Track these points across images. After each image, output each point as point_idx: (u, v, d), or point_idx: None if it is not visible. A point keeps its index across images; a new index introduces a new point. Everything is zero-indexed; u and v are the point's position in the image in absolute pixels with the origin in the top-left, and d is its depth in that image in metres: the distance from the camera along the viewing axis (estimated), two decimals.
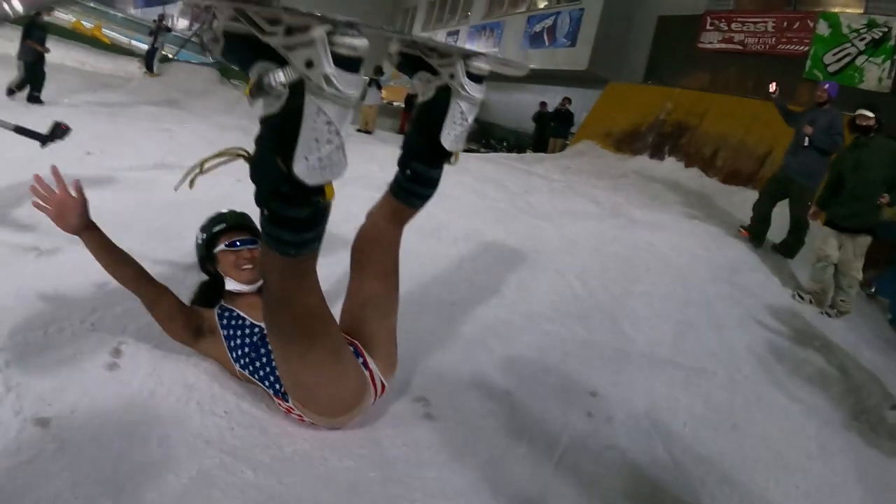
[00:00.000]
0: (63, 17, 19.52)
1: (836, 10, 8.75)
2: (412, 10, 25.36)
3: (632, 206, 6.37)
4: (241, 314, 1.90)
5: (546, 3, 14.98)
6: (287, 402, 1.72)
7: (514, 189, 6.59)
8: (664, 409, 2.32)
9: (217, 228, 1.99)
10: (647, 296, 3.59)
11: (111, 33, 19.46)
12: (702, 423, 2.31)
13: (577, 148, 10.68)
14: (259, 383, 1.80)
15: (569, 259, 4.06)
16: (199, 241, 2.04)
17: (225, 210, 2.06)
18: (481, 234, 4.33)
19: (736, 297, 4.03)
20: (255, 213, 1.40)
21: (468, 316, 2.80)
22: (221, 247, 1.97)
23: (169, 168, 5.13)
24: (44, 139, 2.25)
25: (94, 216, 1.81)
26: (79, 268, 2.43)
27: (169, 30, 14.88)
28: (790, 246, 5.56)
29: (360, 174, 6.09)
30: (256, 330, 1.85)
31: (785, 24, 9.25)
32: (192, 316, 1.92)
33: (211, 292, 2.02)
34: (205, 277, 2.08)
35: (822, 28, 8.68)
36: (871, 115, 4.56)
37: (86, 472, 1.45)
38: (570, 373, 2.46)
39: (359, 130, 13.05)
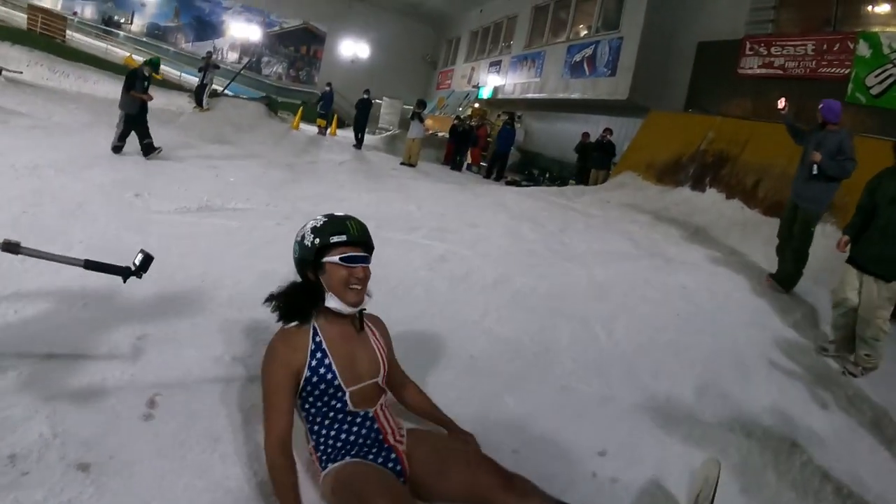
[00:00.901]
0: (120, 52, 20.74)
1: (877, 29, 8.46)
2: (455, 41, 25.86)
3: (669, 244, 6.32)
4: (334, 370, 1.82)
5: (586, 31, 15.08)
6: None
7: (550, 228, 6.64)
8: (674, 472, 2.29)
9: (336, 239, 1.79)
10: (672, 345, 3.57)
11: (162, 69, 20.45)
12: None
13: (618, 180, 10.63)
14: (303, 422, 1.88)
15: (596, 306, 4.08)
16: (308, 244, 1.81)
17: (341, 214, 1.88)
18: (510, 280, 4.41)
19: (766, 344, 3.92)
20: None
21: (487, 371, 2.86)
22: (335, 259, 1.79)
23: (212, 210, 5.42)
24: (127, 274, 2.04)
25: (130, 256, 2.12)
26: (120, 320, 2.66)
27: (217, 66, 15.61)
28: (786, 276, 5.14)
29: (396, 214, 6.30)
30: (340, 395, 1.82)
31: (825, 46, 8.99)
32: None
33: (305, 301, 1.86)
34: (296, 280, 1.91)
35: (863, 49, 8.38)
36: None
37: None
38: (581, 431, 2.48)
39: (403, 164, 13.37)
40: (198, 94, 14.93)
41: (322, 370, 1.81)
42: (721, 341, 3.80)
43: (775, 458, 2.59)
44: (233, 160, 8.90)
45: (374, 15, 27.53)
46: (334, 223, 1.83)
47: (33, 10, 18.83)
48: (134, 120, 7.94)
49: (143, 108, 8.16)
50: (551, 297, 4.16)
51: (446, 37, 27.42)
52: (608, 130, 12.69)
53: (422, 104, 14.38)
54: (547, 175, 15.70)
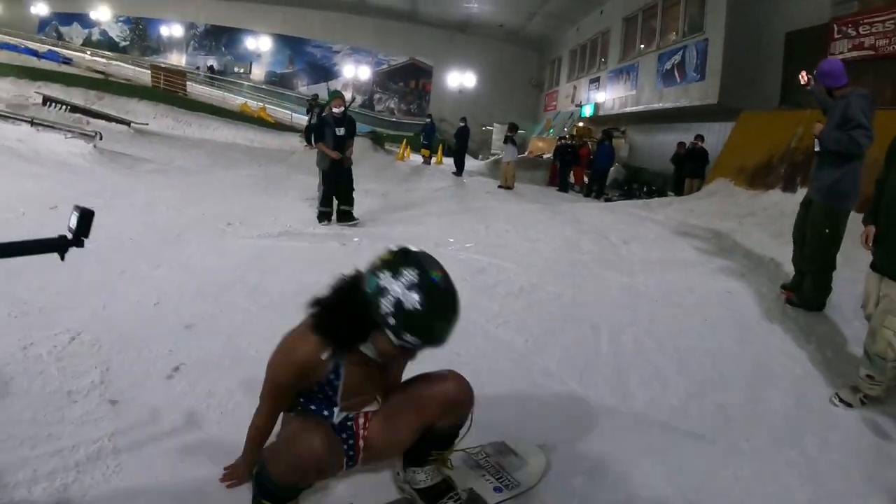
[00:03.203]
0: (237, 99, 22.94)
1: None
2: (557, 61, 25.90)
3: (737, 253, 5.95)
4: (340, 392, 1.80)
5: (674, 37, 14.58)
6: None
7: (614, 240, 6.54)
8: (614, 472, 2.24)
9: (413, 341, 1.58)
10: (682, 351, 3.40)
11: (275, 111, 22.43)
12: (656, 494, 2.18)
13: (710, 188, 10.09)
14: None
15: (617, 312, 4.01)
16: (389, 316, 1.55)
17: (444, 305, 1.59)
18: (539, 288, 4.49)
19: (796, 356, 3.55)
20: None
21: (466, 367, 2.90)
22: (405, 338, 1.58)
23: (291, 235, 6.08)
24: (63, 246, 1.59)
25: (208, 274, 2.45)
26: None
27: (322, 106, 16.84)
28: (808, 294, 4.14)
29: (462, 233, 6.53)
30: (333, 407, 1.82)
31: None
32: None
33: (349, 336, 1.68)
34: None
35: None
36: None
37: None
38: (531, 425, 2.51)
39: (500, 187, 13.59)
40: (307, 133, 16.22)
41: (327, 388, 1.79)
42: (747, 349, 3.56)
43: (757, 474, 2.40)
44: None
45: (476, 45, 28.35)
46: (432, 325, 1.58)
47: (156, 70, 21.73)
48: (330, 178, 6.78)
49: (335, 167, 6.79)
50: (574, 305, 4.16)
51: (548, 58, 27.55)
52: (699, 137, 12.10)
53: (514, 128, 14.59)
54: (645, 189, 15.17)
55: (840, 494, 2.30)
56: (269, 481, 1.69)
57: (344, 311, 1.64)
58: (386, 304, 1.54)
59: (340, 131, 6.72)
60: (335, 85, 28.99)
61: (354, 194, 7.00)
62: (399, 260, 1.58)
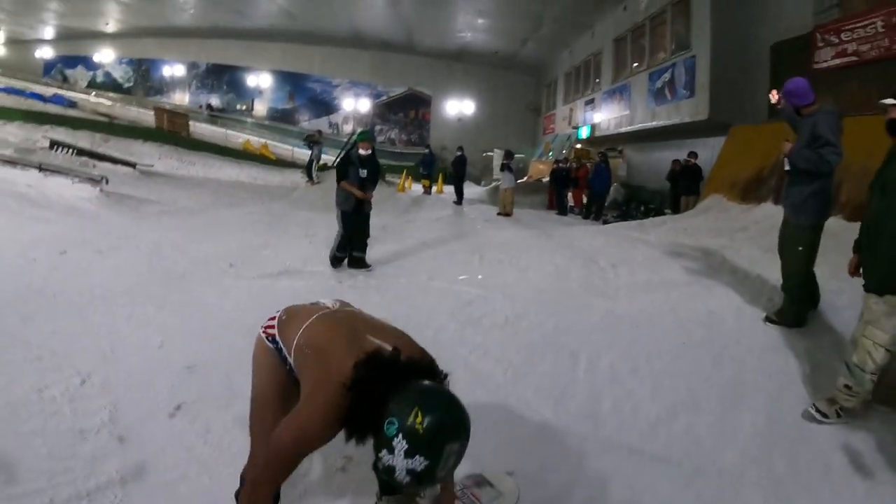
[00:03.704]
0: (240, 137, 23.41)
1: None
2: (553, 83, 26.30)
3: (724, 271, 6.09)
4: None
5: (663, 55, 14.88)
6: None
7: (602, 264, 6.64)
8: (578, 498, 2.38)
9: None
10: (656, 375, 3.53)
11: (277, 148, 22.86)
12: None
13: (704, 204, 10.20)
14: None
15: (597, 338, 4.14)
16: (396, 470, 1.48)
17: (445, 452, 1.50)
18: (523, 318, 4.64)
19: (771, 373, 3.62)
20: None
21: None
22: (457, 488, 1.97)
23: (290, 274, 6.28)
24: None
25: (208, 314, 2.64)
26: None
27: (319, 143, 17.08)
28: (785, 310, 4.22)
29: (456, 265, 6.68)
30: None
31: (894, 19, 8.06)
32: None
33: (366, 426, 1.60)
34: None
35: None
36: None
37: None
38: (504, 453, 2.65)
39: (499, 214, 13.76)
40: (308, 169, 16.52)
41: None
42: (721, 372, 3.65)
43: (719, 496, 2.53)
44: (332, 226, 9.76)
45: (473, 72, 28.88)
46: (432, 471, 1.50)
47: (159, 111, 22.28)
48: (349, 220, 6.55)
49: (361, 207, 6.62)
50: (556, 333, 4.30)
51: (544, 82, 27.98)
52: (692, 154, 12.25)
53: (510, 155, 14.84)
54: (642, 208, 15.30)
55: None
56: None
57: (369, 409, 1.56)
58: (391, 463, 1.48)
59: (364, 173, 6.52)
60: (336, 118, 29.62)
61: (368, 239, 6.80)
62: (419, 441, 1.46)
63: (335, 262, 6.59)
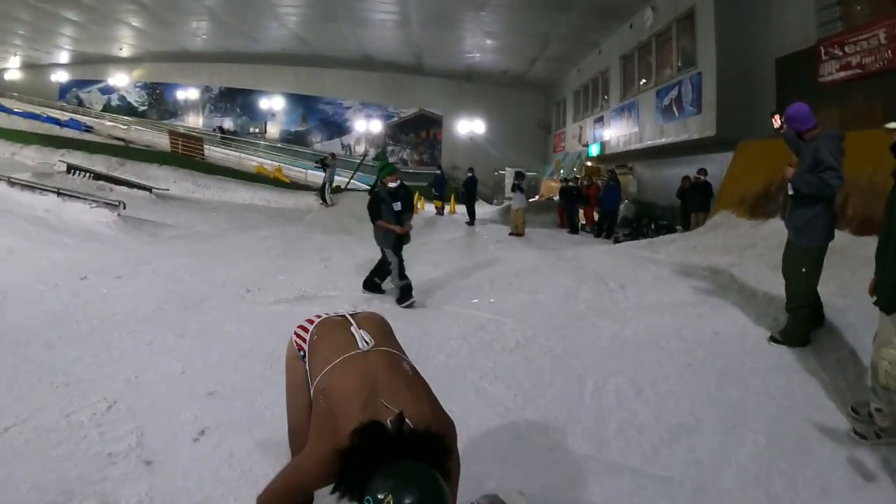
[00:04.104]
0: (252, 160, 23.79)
1: None
2: (563, 102, 26.49)
3: (732, 290, 6.15)
4: None
5: (670, 72, 15.00)
6: None
7: (612, 285, 6.74)
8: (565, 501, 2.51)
9: None
10: (661, 398, 3.64)
11: (290, 171, 23.22)
12: None
13: (713, 221, 10.27)
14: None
15: (604, 361, 4.26)
16: None
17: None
18: (532, 343, 4.77)
19: (773, 394, 3.72)
20: None
21: (457, 421, 3.28)
22: None
23: (306, 299, 6.41)
24: None
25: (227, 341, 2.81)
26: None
27: (327, 165, 17.29)
28: (789, 330, 4.33)
29: (468, 289, 6.83)
30: None
31: None
32: None
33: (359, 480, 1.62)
34: None
35: None
36: None
37: None
38: (521, 476, 2.76)
39: (511, 234, 13.90)
40: (322, 191, 16.75)
41: None
42: (724, 393, 3.75)
43: None
44: (347, 249, 9.97)
45: (483, 92, 29.13)
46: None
47: (174, 135, 22.76)
48: (397, 252, 6.37)
49: (401, 241, 6.46)
50: (564, 356, 4.43)
51: (554, 100, 28.15)
52: (702, 171, 12.34)
53: (520, 175, 15.04)
54: (653, 225, 15.33)
55: None
56: None
57: (353, 479, 1.63)
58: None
59: (397, 206, 6.34)
60: (348, 139, 29.99)
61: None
62: None
63: (406, 293, 6.24)
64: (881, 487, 2.81)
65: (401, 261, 6.38)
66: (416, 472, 1.58)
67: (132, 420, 3.25)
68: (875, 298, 3.14)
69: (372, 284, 6.75)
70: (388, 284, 6.75)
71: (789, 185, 4.30)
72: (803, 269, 4.22)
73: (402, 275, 6.35)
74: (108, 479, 2.67)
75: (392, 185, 6.40)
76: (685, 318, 5.17)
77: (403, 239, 6.49)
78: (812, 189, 4.12)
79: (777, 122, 4.81)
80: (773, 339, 4.44)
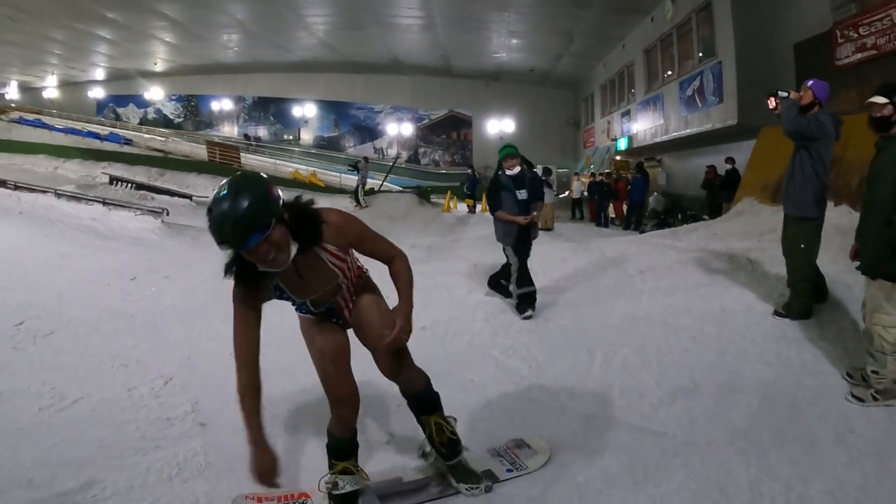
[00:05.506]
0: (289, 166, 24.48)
1: None
2: (590, 97, 26.56)
3: (745, 271, 6.31)
4: (289, 293, 2.32)
5: (691, 63, 15.09)
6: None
7: (631, 271, 6.91)
8: (579, 462, 2.82)
9: (223, 249, 2.03)
10: (664, 367, 3.91)
11: (325, 175, 23.87)
12: (610, 475, 2.76)
13: (737, 208, 10.31)
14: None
15: (614, 337, 4.54)
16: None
17: (217, 214, 1.99)
18: (550, 321, 5.11)
19: (771, 362, 3.94)
20: None
21: (477, 389, 3.71)
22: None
23: None
24: None
25: (271, 328, 3.18)
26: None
27: (357, 168, 17.75)
28: (792, 303, 4.50)
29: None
30: (301, 303, 2.40)
31: None
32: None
33: (252, 272, 2.12)
34: None
35: None
36: (883, 100, 3.26)
37: None
38: (531, 432, 3.12)
39: (540, 229, 14.07)
40: (356, 194, 17.23)
41: (280, 294, 2.35)
42: (719, 362, 3.99)
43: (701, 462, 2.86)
44: None
45: (511, 90, 29.36)
46: (212, 228, 2.01)
47: (211, 145, 23.61)
48: (518, 254, 5.49)
49: (526, 237, 5.53)
50: (578, 333, 4.74)
51: (582, 96, 28.23)
52: (730, 160, 12.39)
53: (548, 171, 15.25)
54: (680, 216, 15.37)
55: (782, 478, 2.69)
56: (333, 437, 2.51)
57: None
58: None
59: (522, 194, 5.40)
60: (380, 143, 30.61)
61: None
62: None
63: (525, 301, 5.39)
64: (866, 442, 3.00)
65: (522, 262, 5.46)
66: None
67: (187, 392, 3.70)
68: (857, 264, 3.41)
69: (497, 285, 5.89)
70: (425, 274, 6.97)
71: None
72: (802, 245, 4.41)
73: (523, 279, 5.41)
74: (167, 437, 3.12)
75: (510, 171, 5.48)
76: (697, 298, 5.35)
77: (529, 234, 5.56)
78: (792, 124, 4.42)
79: (772, 103, 4.81)
80: (776, 312, 4.63)
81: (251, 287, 2.16)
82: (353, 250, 2.44)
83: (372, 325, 2.46)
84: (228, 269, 2.11)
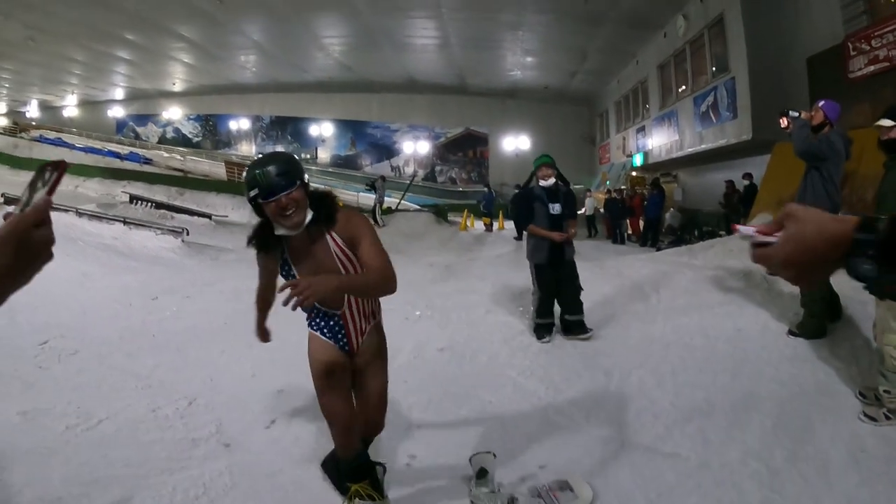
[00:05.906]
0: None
1: None
2: (605, 113, 26.67)
3: (760, 289, 6.32)
4: (294, 274, 2.43)
5: (705, 78, 15.11)
6: None
7: (647, 290, 6.95)
8: (595, 484, 2.83)
9: (252, 193, 2.23)
10: (679, 387, 3.94)
11: (342, 194, 24.15)
12: (624, 497, 2.79)
13: (752, 223, 10.39)
14: None
15: (630, 357, 4.60)
16: (245, 195, 2.32)
17: (259, 160, 2.28)
18: (568, 343, 5.17)
19: (785, 382, 3.95)
20: None
21: (494, 410, 3.77)
22: (260, 200, 2.24)
23: None
24: None
25: (292, 349, 3.46)
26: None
27: (375, 188, 17.97)
28: (805, 323, 4.51)
29: (509, 298, 7.13)
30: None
31: None
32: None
33: (267, 234, 2.38)
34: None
35: None
36: (891, 123, 3.39)
37: None
38: (538, 450, 3.18)
39: None
40: (373, 213, 17.40)
41: (287, 271, 2.46)
42: (733, 382, 4.01)
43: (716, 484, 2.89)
44: (399, 267, 10.45)
45: (526, 108, 29.59)
46: (248, 177, 2.25)
47: (230, 165, 23.94)
48: (545, 276, 5.21)
49: (553, 257, 5.15)
50: (595, 354, 4.79)
51: (597, 112, 28.37)
52: (747, 175, 12.40)
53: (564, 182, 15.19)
54: (697, 232, 15.34)
55: (793, 497, 2.73)
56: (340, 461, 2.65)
57: (258, 225, 2.48)
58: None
59: (555, 208, 5.09)
60: (397, 161, 30.92)
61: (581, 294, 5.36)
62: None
63: (541, 331, 5.20)
64: (878, 462, 3.01)
65: (545, 294, 5.18)
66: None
67: (211, 413, 3.79)
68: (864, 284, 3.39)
69: (542, 329, 5.45)
70: (421, 282, 7.11)
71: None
72: None
73: (544, 311, 5.18)
74: (192, 458, 3.21)
75: (545, 182, 5.15)
76: (712, 317, 5.38)
77: (566, 252, 5.17)
78: (803, 144, 4.46)
79: (784, 122, 4.87)
80: (790, 332, 4.64)
81: (268, 254, 2.46)
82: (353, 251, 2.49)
83: (371, 399, 2.78)
84: (251, 241, 2.44)
